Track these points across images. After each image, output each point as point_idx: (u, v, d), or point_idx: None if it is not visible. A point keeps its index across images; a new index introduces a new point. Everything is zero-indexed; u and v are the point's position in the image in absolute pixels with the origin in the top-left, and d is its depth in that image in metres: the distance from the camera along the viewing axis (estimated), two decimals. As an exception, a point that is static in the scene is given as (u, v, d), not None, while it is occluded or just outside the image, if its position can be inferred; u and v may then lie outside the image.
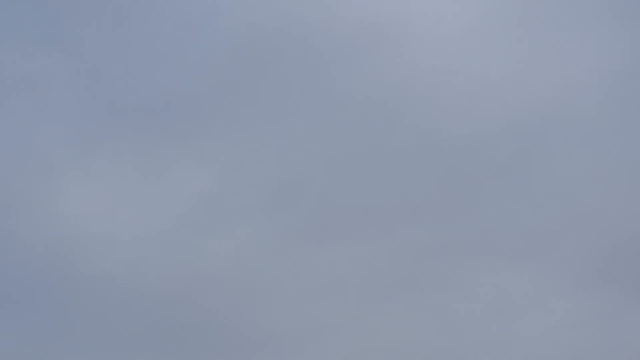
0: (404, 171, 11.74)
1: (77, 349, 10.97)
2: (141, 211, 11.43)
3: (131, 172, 11.48)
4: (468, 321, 11.32)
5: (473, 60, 11.99)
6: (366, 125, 11.83)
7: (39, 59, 11.58)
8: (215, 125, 11.63)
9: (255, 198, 11.56)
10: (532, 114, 11.85)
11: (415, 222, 11.63)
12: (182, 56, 11.65)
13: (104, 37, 11.61)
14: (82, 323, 11.07)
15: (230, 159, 11.59)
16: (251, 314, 11.37)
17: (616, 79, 11.85)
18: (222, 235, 11.45)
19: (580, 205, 11.53)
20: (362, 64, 11.90)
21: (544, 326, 11.22)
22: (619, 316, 11.18)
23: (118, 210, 11.40)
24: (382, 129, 11.83)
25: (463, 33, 12.01)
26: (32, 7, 11.59)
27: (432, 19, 12.05)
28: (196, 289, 11.36)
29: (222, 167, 11.59)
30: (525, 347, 11.13)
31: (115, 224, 11.37)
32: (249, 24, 11.76)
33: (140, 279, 11.30)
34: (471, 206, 11.66)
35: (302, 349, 11.31)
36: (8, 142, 11.40)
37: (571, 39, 11.99)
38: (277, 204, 11.58)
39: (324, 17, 11.89)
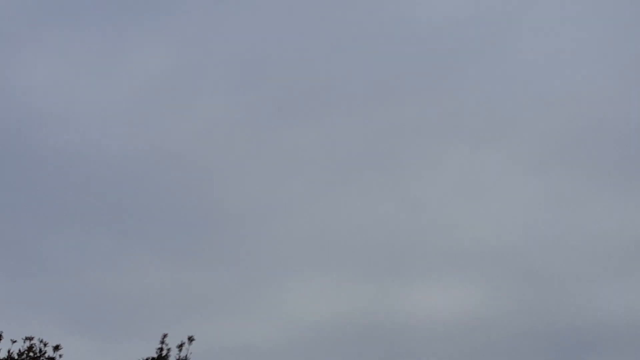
0: (372, 53, 11.59)
1: (37, 224, 10.80)
2: (101, 85, 11.21)
3: (92, 45, 11.24)
4: (432, 201, 11.28)
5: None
6: (332, 6, 11.64)
7: None
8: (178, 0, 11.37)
9: (220, 75, 11.37)
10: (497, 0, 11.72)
11: (382, 103, 11.51)
12: None
13: None
14: (41, 198, 10.89)
15: (195, 34, 11.37)
16: (213, 193, 11.25)
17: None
18: (184, 113, 11.27)
19: (546, 90, 11.48)
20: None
21: (506, 206, 11.20)
22: (579, 197, 11.21)
23: (77, 85, 11.17)
24: (347, 12, 11.64)
25: None
26: None
27: None
28: (157, 166, 11.20)
29: (187, 42, 11.36)
30: (487, 227, 11.13)
31: (74, 98, 11.15)
32: None
33: (100, 155, 11.11)
34: (438, 88, 11.56)
35: (266, 228, 11.21)
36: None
37: None
38: (242, 82, 11.40)
39: None
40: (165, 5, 11.37)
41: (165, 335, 7.18)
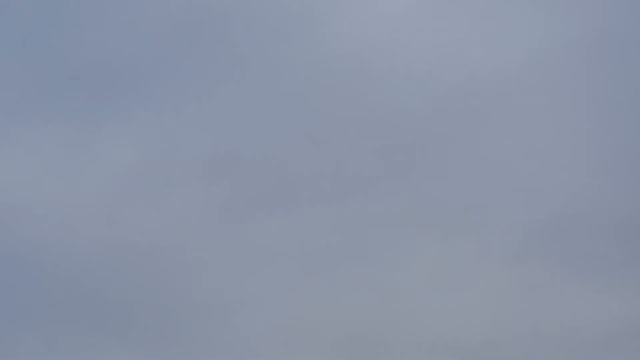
0: (341, 142, 11.61)
1: (3, 320, 10.67)
2: (70, 181, 11.16)
3: (60, 140, 11.24)
4: (404, 293, 11.21)
5: (409, 35, 11.93)
6: (303, 96, 11.70)
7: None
8: (148, 93, 11.41)
9: (189, 168, 11.36)
10: (466, 90, 11.82)
11: (352, 194, 11.50)
12: (115, 22, 11.43)
13: (34, 1, 11.35)
14: (7, 294, 10.77)
15: (163, 128, 11.39)
16: (184, 287, 11.15)
17: (551, 58, 11.87)
18: (153, 207, 11.22)
19: (512, 180, 11.50)
20: (299, 36, 11.77)
21: (481, 297, 11.15)
22: (554, 289, 11.16)
23: (45, 181, 11.12)
24: (318, 101, 11.70)
25: (400, 8, 11.93)
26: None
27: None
28: (127, 262, 11.11)
29: (155, 136, 11.37)
30: (461, 317, 11.05)
31: (41, 194, 11.09)
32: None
33: (68, 253, 11.02)
34: (407, 179, 11.56)
35: (237, 322, 11.11)
36: None
37: (507, 18, 11.99)
38: (212, 174, 11.39)
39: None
40: (134, 98, 11.40)
41: None
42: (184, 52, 11.54)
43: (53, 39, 11.38)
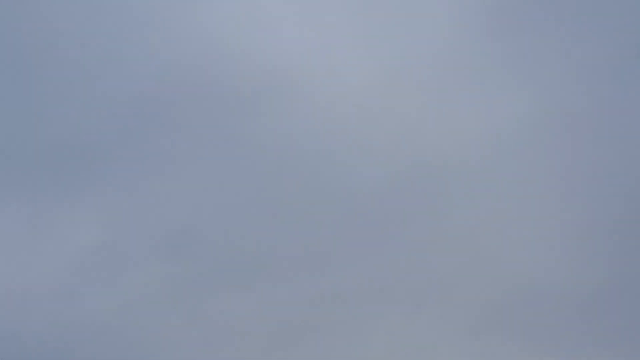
0: (300, 218, 11.55)
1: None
2: (23, 263, 11.05)
3: (12, 221, 11.15)
4: (366, 370, 11.10)
5: (371, 109, 11.96)
6: (261, 173, 11.66)
7: None
8: (106, 172, 11.37)
9: (147, 247, 11.26)
10: (429, 163, 11.80)
11: (312, 270, 11.41)
12: (72, 101, 11.42)
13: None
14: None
15: (120, 208, 11.31)
16: (141, 368, 10.98)
17: (516, 129, 11.87)
18: (111, 287, 11.10)
19: (474, 254, 11.43)
20: (259, 113, 11.78)
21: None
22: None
23: (0, 260, 11.01)
24: (278, 177, 11.66)
25: (363, 84, 11.97)
26: None
27: (334, 68, 12.01)
28: (83, 343, 10.96)
29: (112, 216, 11.29)
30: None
31: (-2, 274, 10.97)
32: (148, 71, 11.60)
33: (23, 335, 10.87)
34: (368, 255, 11.49)
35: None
36: None
37: (472, 94, 12.03)
38: (169, 253, 11.29)
39: (228, 65, 11.78)
40: (92, 177, 11.35)
41: None
42: (142, 131, 11.52)
43: (8, 116, 11.37)
